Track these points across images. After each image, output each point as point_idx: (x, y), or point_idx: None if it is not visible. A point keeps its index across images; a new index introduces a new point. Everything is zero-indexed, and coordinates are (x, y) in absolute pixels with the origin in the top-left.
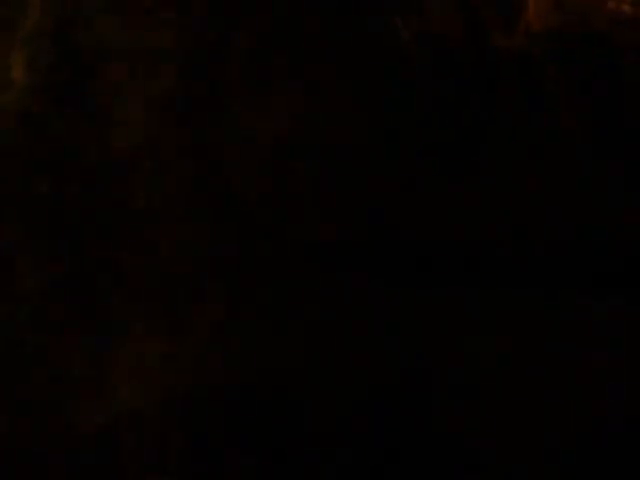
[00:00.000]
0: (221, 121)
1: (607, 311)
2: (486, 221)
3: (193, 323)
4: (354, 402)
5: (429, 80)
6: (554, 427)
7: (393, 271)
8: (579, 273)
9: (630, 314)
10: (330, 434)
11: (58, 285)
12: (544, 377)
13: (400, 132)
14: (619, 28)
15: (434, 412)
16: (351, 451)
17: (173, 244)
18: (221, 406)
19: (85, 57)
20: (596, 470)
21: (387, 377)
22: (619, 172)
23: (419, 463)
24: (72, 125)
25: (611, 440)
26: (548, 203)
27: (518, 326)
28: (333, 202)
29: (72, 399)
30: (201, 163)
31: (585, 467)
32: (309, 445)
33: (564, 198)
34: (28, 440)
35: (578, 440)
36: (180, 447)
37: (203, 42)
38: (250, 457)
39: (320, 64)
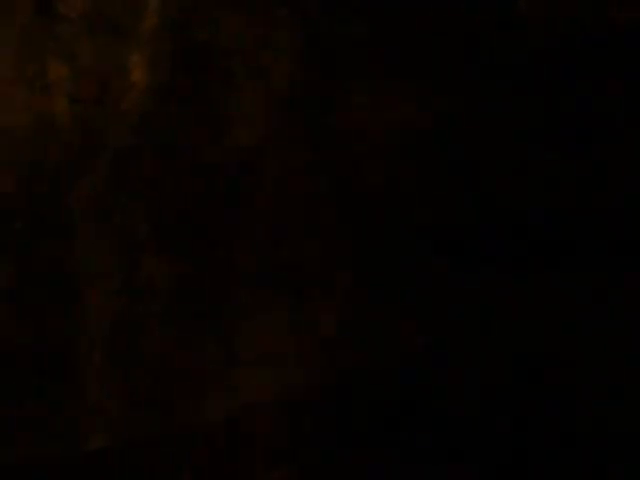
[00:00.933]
0: (341, 112)
1: None
2: (609, 207)
3: (321, 315)
4: (492, 388)
5: (553, 64)
6: None
7: (519, 256)
8: None
9: None
10: (469, 420)
11: (185, 283)
12: None
13: (523, 115)
14: None
15: (577, 396)
16: (492, 439)
17: (300, 239)
18: (349, 396)
19: (204, 56)
20: None
21: (524, 362)
22: None
23: (562, 448)
24: (194, 125)
25: None
26: None
27: None
28: (462, 188)
29: (201, 393)
30: (323, 156)
31: None
32: (447, 433)
33: None
34: (163, 431)
35: None
36: (310, 437)
37: (318, 37)
38: (388, 445)
39: (436, 54)
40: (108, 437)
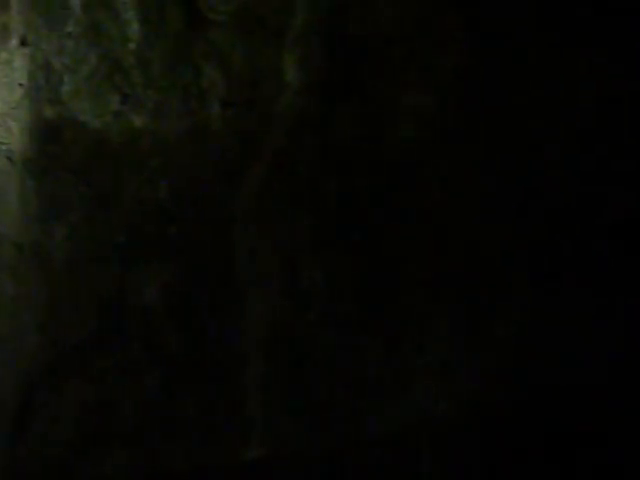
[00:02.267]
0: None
1: None
2: None
3: (495, 320)
4: None
5: None
6: None
7: None
8: None
9: None
10: None
11: (347, 284)
12: None
13: None
14: None
15: None
16: None
17: (472, 238)
18: (526, 412)
19: (359, 50)
20: None
21: None
22: None
23: None
24: (353, 121)
25: None
26: None
27: None
28: None
29: (363, 401)
30: (491, 148)
31: None
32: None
33: None
34: (324, 439)
35: None
36: (484, 456)
37: (480, 26)
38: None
39: None
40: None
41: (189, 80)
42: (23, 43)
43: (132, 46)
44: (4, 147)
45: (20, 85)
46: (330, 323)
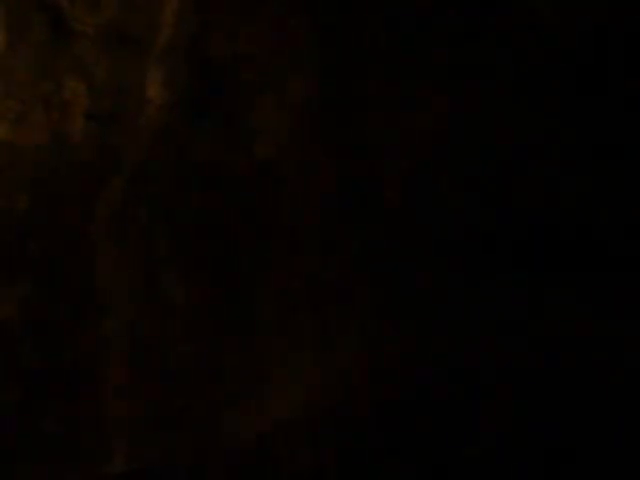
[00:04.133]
0: (360, 121)
1: None
2: None
3: (344, 328)
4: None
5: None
6: None
7: None
8: None
9: None
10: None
11: (207, 298)
12: None
13: None
14: None
15: None
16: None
17: (324, 248)
18: (377, 412)
19: (219, 70)
20: None
21: None
22: None
23: None
24: (212, 138)
25: None
26: None
27: None
28: None
29: (228, 410)
30: (344, 165)
31: None
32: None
33: None
34: (187, 451)
35: None
36: (337, 457)
37: (335, 45)
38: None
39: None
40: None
41: (51, 91)
42: None
43: None
44: None
45: None
46: (189, 335)
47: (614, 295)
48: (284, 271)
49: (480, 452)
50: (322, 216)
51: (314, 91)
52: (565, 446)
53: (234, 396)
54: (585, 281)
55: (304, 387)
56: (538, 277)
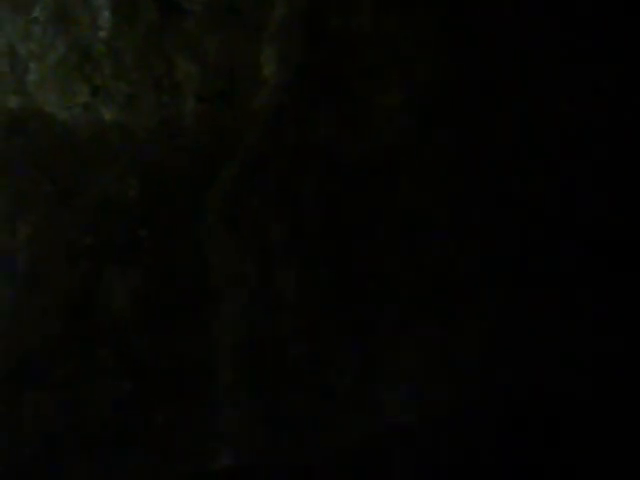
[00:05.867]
0: (486, 107)
1: None
2: None
3: (467, 329)
4: None
5: None
6: None
7: None
8: None
9: None
10: None
11: (321, 288)
12: None
13: None
14: None
15: None
16: None
17: (445, 247)
18: (500, 416)
19: (337, 49)
20: None
21: None
22: None
23: None
24: (331, 119)
25: None
26: None
27: None
28: None
29: (339, 412)
30: (466, 156)
31: None
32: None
33: None
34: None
35: None
36: (454, 462)
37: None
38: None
39: None
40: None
41: (162, 73)
42: None
43: (103, 34)
44: None
45: None
46: (302, 329)
47: None
48: (405, 269)
49: None
50: (451, 209)
51: (439, 75)
52: None
53: (347, 395)
54: None
55: (419, 389)
56: None
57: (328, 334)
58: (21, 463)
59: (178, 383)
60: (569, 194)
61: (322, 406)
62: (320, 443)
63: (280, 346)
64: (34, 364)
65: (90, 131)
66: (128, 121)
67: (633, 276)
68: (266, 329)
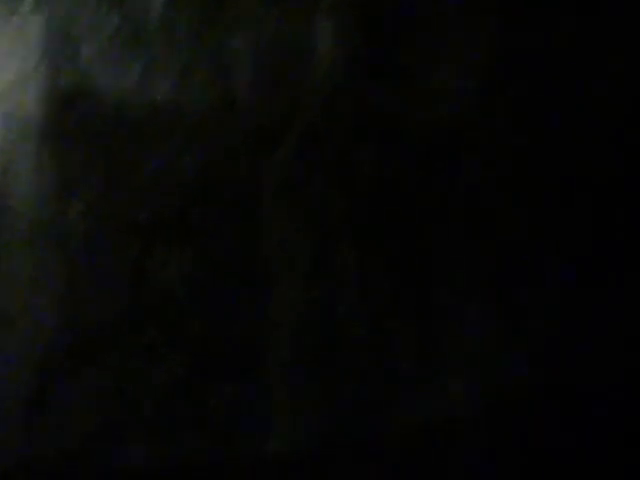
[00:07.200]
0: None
1: None
2: None
3: (530, 310)
4: None
5: None
6: None
7: None
8: None
9: None
10: None
11: (381, 273)
12: None
13: None
14: None
15: None
16: None
17: (509, 226)
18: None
19: (395, 24)
20: None
21: None
22: None
23: None
24: (389, 98)
25: None
26: None
27: None
28: None
29: (399, 394)
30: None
31: None
32: None
33: None
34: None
35: None
36: (511, 450)
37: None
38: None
39: None
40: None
41: (216, 47)
42: (37, 6)
43: (156, 9)
44: (19, 117)
45: (34, 51)
46: (360, 314)
47: None
48: (466, 247)
49: None
50: (506, 193)
51: (494, 60)
52: None
53: (408, 379)
54: None
55: (482, 375)
56: None
57: (390, 317)
58: (81, 440)
59: (231, 366)
60: None
61: (383, 390)
62: (382, 426)
63: (340, 329)
64: (91, 341)
65: (143, 107)
66: (181, 98)
67: None
68: (325, 312)
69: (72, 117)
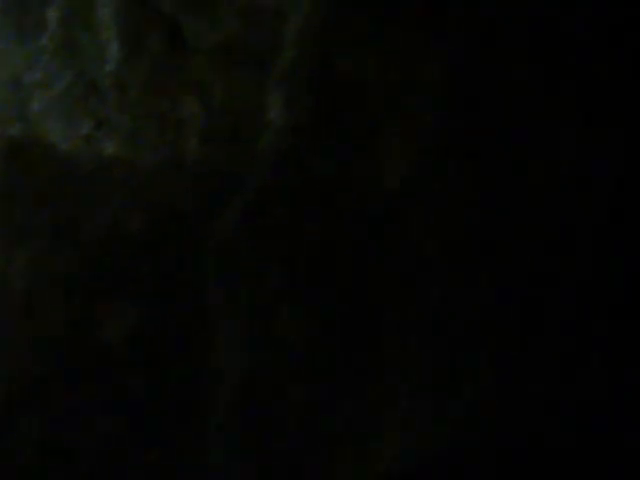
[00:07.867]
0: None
1: None
2: None
3: (462, 377)
4: None
5: None
6: None
7: None
8: None
9: None
10: None
11: (326, 333)
12: None
13: None
14: None
15: None
16: None
17: (446, 291)
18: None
19: (343, 92)
20: None
21: None
22: None
23: None
24: (335, 163)
25: None
26: None
27: None
28: None
29: (332, 459)
30: (476, 198)
31: None
32: None
33: None
34: None
35: None
36: None
37: (468, 73)
38: None
39: None
40: None
41: (166, 109)
42: None
43: (110, 67)
44: None
45: None
46: (307, 375)
47: None
48: (405, 311)
49: None
50: (451, 256)
51: (443, 123)
52: None
53: (346, 441)
54: None
55: (418, 435)
56: None
57: (327, 376)
58: None
59: (171, 422)
60: None
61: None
62: None
63: (278, 386)
64: (32, 394)
65: (92, 164)
66: (131, 156)
67: None
68: (263, 367)
69: (20, 168)
